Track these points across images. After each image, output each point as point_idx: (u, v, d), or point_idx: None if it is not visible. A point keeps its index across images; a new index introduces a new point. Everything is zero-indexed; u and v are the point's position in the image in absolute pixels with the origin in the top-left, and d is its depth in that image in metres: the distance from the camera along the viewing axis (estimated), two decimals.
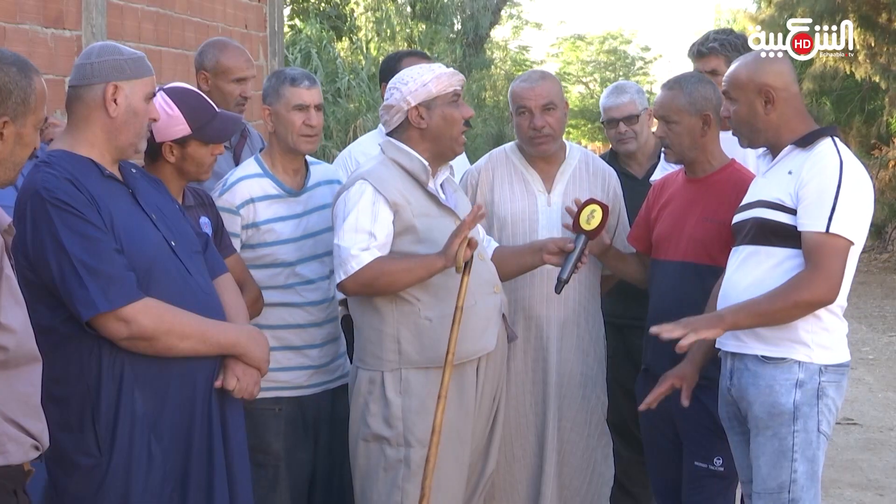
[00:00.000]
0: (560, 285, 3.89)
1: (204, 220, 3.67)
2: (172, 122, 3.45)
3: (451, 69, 3.85)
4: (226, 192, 3.92)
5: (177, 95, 3.48)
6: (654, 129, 5.14)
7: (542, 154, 4.25)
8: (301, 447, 4.02)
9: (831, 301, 3.38)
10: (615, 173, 4.47)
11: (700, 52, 4.60)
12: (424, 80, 3.74)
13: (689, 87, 3.96)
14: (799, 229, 3.39)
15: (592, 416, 4.30)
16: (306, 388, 4.01)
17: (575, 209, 3.97)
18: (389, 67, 4.86)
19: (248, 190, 3.92)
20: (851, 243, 3.37)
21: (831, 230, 3.33)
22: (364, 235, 3.63)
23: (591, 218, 3.92)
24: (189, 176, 3.56)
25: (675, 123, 3.93)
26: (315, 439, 4.05)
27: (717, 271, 3.76)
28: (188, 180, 3.59)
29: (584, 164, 4.35)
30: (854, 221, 3.37)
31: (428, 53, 5.91)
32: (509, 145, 4.42)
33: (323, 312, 4.03)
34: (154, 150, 3.48)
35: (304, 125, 3.94)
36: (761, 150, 3.66)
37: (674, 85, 4.00)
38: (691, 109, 3.92)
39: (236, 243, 3.88)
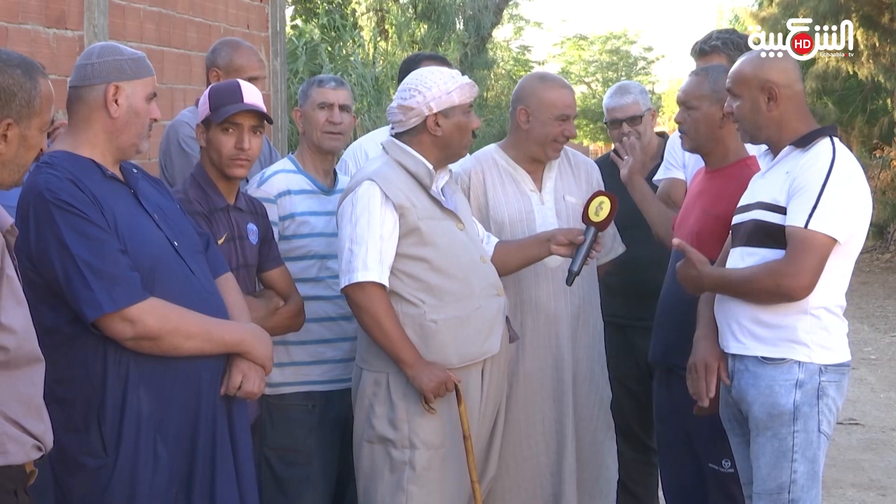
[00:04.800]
0: (571, 277, 3.94)
1: (251, 227, 3.73)
2: (203, 101, 3.66)
3: (468, 79, 3.86)
4: (264, 184, 4.06)
5: (223, 82, 3.75)
6: (657, 129, 5.15)
7: (554, 158, 4.27)
8: (332, 443, 4.08)
9: (800, 296, 3.37)
10: (596, 165, 4.50)
11: (702, 50, 4.61)
12: (448, 88, 3.75)
13: (714, 75, 3.94)
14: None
15: (601, 409, 4.32)
16: (339, 383, 4.06)
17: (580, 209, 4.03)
18: (409, 70, 4.86)
19: (285, 182, 4.05)
20: (834, 241, 3.35)
21: (810, 226, 3.33)
22: (376, 244, 3.64)
23: (600, 209, 3.96)
24: (215, 165, 3.64)
25: (695, 110, 3.91)
26: (343, 436, 4.09)
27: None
28: (224, 175, 3.65)
29: (565, 159, 4.37)
30: (839, 219, 3.34)
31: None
32: (493, 147, 4.38)
33: None
34: None
35: (327, 122, 4.11)
36: (764, 148, 3.65)
37: (700, 72, 4.00)
38: (713, 97, 3.89)
39: (273, 231, 3.94)
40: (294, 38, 14.71)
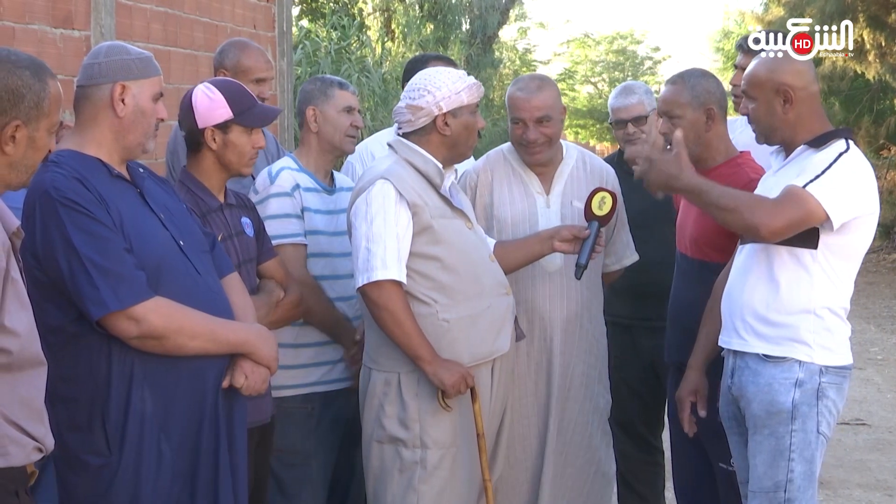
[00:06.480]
0: (580, 271, 3.95)
1: (245, 221, 3.71)
2: (214, 105, 3.52)
3: (475, 80, 3.87)
4: (276, 179, 4.03)
5: (219, 83, 3.61)
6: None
7: (535, 162, 4.23)
8: (331, 444, 4.08)
9: (763, 235, 3.35)
10: (613, 171, 4.43)
11: (741, 46, 4.69)
12: (457, 88, 3.76)
13: (692, 81, 3.94)
14: None
15: (595, 415, 4.27)
16: (337, 383, 4.07)
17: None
18: (415, 70, 4.85)
19: (294, 178, 4.06)
20: (825, 215, 3.32)
21: (807, 188, 3.33)
22: (394, 242, 3.63)
23: (603, 204, 3.99)
24: (230, 167, 3.58)
25: (679, 118, 3.90)
26: (342, 436, 4.09)
27: (710, 267, 3.78)
28: (230, 173, 3.61)
29: (581, 163, 4.32)
30: (837, 196, 3.33)
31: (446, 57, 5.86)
32: (507, 146, 4.36)
33: (351, 309, 4.07)
34: (196, 139, 3.56)
35: (351, 126, 4.15)
36: (775, 146, 3.65)
37: (677, 80, 3.98)
38: (694, 103, 3.90)
39: (297, 224, 3.96)
40: (318, 40, 14.73)
